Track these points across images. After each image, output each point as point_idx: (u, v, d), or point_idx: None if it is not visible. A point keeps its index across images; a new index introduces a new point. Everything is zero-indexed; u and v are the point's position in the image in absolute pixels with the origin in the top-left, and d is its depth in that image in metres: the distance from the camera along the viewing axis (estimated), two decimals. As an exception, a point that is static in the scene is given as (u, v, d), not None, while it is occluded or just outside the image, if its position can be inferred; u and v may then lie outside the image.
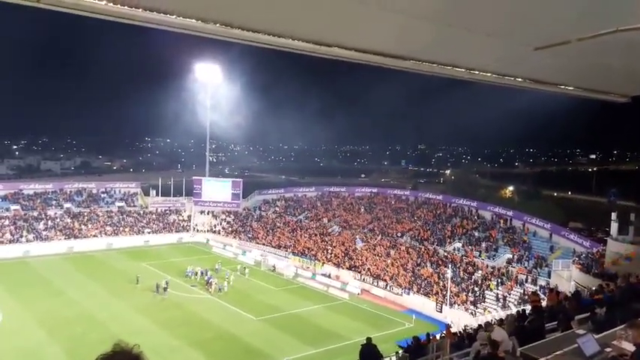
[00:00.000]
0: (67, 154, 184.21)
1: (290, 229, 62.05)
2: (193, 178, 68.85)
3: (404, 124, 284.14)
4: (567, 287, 30.07)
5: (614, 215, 33.85)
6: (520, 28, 3.64)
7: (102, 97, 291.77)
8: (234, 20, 3.22)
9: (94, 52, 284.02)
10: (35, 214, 59.46)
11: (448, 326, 19.54)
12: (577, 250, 41.26)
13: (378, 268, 48.03)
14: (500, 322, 13.42)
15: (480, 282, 42.28)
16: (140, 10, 2.90)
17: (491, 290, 41.07)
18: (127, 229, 62.21)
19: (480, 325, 16.82)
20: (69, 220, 60.08)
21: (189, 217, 67.34)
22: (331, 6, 3.13)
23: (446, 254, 48.21)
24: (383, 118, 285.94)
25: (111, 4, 2.81)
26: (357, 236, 55.11)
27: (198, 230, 66.31)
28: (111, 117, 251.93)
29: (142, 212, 66.38)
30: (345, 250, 53.36)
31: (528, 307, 15.78)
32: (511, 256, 45.00)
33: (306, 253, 54.30)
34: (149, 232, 63.27)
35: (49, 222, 58.81)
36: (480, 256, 46.63)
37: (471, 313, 38.44)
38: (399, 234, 54.96)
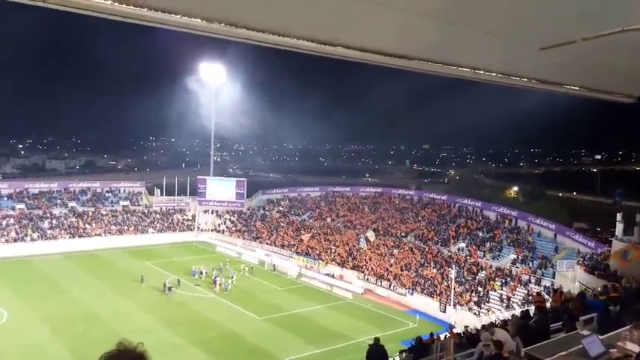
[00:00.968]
0: (71, 153, 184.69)
1: (294, 229, 62.11)
2: (198, 177, 69.08)
3: (408, 124, 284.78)
4: (572, 288, 29.92)
5: (619, 216, 33.58)
6: (525, 27, 3.63)
7: (107, 96, 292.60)
8: (239, 20, 3.22)
9: (99, 52, 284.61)
10: (40, 213, 59.74)
11: (451, 327, 19.54)
12: (582, 250, 41.06)
13: (381, 268, 48.03)
14: (504, 323, 13.40)
15: (484, 282, 42.18)
16: (145, 9, 2.91)
17: (495, 291, 40.96)
18: (131, 229, 62.44)
19: (483, 326, 16.80)
20: (73, 219, 60.36)
21: (193, 216, 67.53)
22: (336, 5, 3.13)
23: (450, 254, 48.12)
24: (387, 118, 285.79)
25: (117, 3, 2.82)
26: (362, 235, 54.94)
27: (202, 230, 66.49)
28: (116, 116, 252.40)
29: (146, 211, 66.63)
30: (349, 249, 53.37)
31: (532, 308, 15.73)
32: (515, 256, 44.87)
33: (310, 252, 54.35)
34: (153, 232, 63.52)
35: (54, 221, 59.10)
36: (484, 256, 46.51)
37: (475, 313, 38.36)
38: (403, 234, 54.92)
